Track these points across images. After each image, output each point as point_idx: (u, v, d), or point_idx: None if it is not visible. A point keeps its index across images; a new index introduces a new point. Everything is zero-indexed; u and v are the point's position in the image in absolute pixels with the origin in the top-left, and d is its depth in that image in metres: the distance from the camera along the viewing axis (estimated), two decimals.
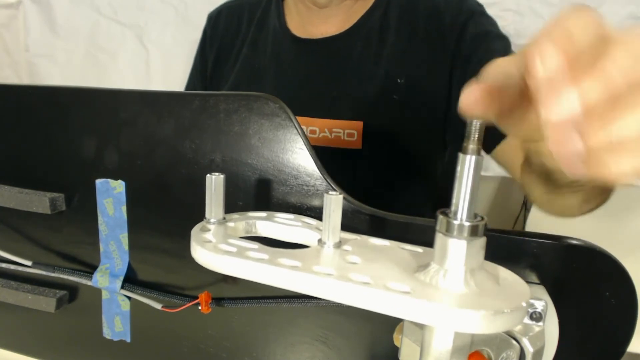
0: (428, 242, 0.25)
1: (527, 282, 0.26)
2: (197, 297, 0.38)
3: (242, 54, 0.76)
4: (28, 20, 1.50)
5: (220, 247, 0.28)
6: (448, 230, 0.22)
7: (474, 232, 0.22)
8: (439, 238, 0.23)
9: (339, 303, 0.24)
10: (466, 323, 0.21)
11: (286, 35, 0.73)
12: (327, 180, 0.35)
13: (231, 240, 0.29)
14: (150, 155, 0.39)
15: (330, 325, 0.37)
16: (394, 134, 0.67)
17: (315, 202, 0.36)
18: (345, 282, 0.24)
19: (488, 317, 0.20)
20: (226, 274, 0.27)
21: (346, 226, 0.30)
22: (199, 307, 0.37)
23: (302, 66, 0.71)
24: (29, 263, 0.42)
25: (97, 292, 0.43)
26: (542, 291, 0.31)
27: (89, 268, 0.43)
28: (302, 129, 0.35)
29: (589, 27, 0.19)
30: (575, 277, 0.30)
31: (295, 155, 0.36)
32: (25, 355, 0.48)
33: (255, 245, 0.28)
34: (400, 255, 0.27)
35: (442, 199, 0.77)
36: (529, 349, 0.28)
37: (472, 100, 0.23)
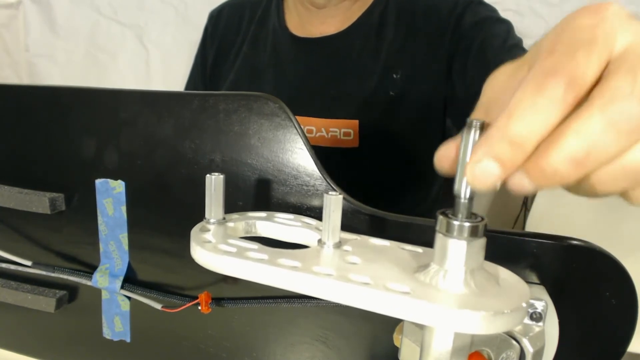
0: (428, 243, 0.25)
1: (527, 282, 0.26)
2: (197, 297, 0.38)
3: (242, 52, 0.76)
4: (28, 20, 1.51)
5: (220, 247, 0.28)
6: (448, 231, 0.22)
7: (474, 232, 0.22)
8: (438, 238, 0.23)
9: (338, 303, 0.24)
10: (466, 324, 0.21)
11: (285, 35, 0.73)
12: (326, 180, 0.35)
13: (231, 241, 0.29)
14: (150, 155, 0.39)
15: (330, 325, 0.37)
16: (390, 131, 0.67)
17: (315, 202, 0.36)
18: (345, 282, 0.24)
19: (488, 318, 0.20)
20: (226, 274, 0.27)
21: (346, 226, 0.30)
22: (199, 307, 0.37)
23: (301, 65, 0.71)
24: (28, 263, 0.42)
25: (97, 292, 0.43)
26: (542, 291, 0.31)
27: (89, 268, 0.43)
28: (302, 129, 0.35)
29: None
30: (575, 277, 0.30)
31: (295, 155, 0.36)
32: (25, 355, 0.48)
33: (255, 245, 0.28)
34: (400, 256, 0.27)
35: (442, 197, 0.77)
36: (529, 349, 0.28)
37: (448, 157, 0.23)
